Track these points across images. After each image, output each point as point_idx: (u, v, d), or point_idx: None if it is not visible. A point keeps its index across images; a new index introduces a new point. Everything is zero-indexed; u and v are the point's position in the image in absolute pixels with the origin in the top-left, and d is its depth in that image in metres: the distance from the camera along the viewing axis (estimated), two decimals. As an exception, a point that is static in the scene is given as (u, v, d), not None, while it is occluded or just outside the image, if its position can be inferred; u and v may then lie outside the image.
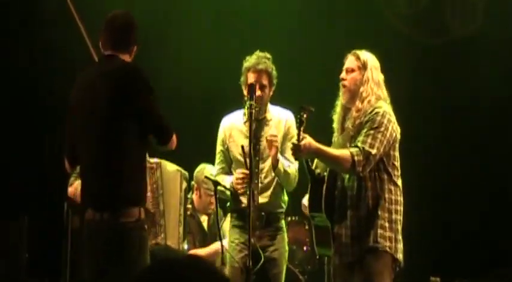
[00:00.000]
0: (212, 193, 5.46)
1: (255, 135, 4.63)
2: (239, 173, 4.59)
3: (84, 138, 3.85)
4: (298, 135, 3.94)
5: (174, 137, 3.89)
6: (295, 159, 4.31)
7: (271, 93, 4.78)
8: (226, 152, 4.82)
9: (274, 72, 4.76)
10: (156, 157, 4.57)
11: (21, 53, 6.81)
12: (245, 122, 4.75)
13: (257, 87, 4.66)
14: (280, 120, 4.79)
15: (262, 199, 4.69)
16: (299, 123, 3.98)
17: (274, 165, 4.62)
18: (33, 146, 6.67)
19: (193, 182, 5.69)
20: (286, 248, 4.79)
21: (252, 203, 4.31)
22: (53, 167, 4.30)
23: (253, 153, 4.55)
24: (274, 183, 4.73)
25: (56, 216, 5.42)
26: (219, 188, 4.69)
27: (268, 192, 4.72)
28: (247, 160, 4.44)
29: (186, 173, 4.90)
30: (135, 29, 3.97)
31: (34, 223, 6.15)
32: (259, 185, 4.68)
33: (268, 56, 4.78)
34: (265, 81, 4.71)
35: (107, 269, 3.76)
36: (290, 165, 4.69)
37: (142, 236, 3.81)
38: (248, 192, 4.38)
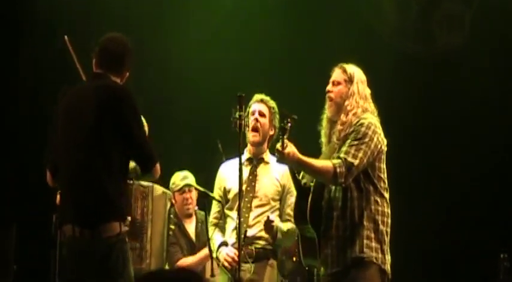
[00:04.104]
0: (178, 188, 5.58)
1: (252, 173, 4.78)
2: (232, 253, 4.63)
3: (66, 151, 3.82)
4: (282, 142, 3.95)
5: (158, 166, 3.86)
6: (277, 162, 4.29)
7: (271, 132, 4.83)
8: (223, 194, 4.87)
9: (277, 115, 4.84)
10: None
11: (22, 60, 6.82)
12: (247, 160, 4.83)
13: (256, 113, 4.78)
14: (278, 170, 4.81)
15: (251, 232, 4.72)
16: (282, 130, 3.98)
17: (274, 238, 4.70)
18: (22, 155, 6.65)
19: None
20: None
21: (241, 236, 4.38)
22: (42, 177, 4.28)
23: (248, 190, 4.69)
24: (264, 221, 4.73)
25: (45, 226, 5.41)
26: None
27: (258, 227, 4.74)
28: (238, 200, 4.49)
29: (170, 194, 4.93)
30: (130, 54, 3.97)
31: (22, 234, 6.13)
32: (249, 221, 4.71)
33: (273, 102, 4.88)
34: (265, 111, 4.83)
35: None
36: (289, 228, 4.72)
37: (124, 249, 3.79)
38: (238, 210, 4.45)
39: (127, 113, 3.76)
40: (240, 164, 4.43)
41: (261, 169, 4.84)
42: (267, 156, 4.88)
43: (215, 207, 4.93)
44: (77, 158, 3.76)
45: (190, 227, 5.79)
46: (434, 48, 7.22)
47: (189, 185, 5.61)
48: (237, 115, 4.53)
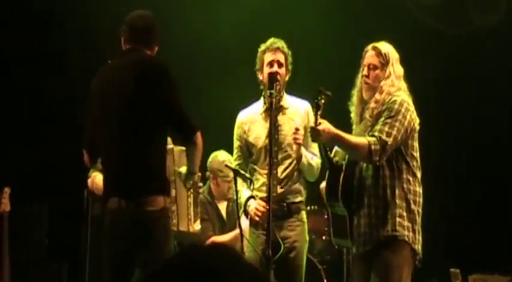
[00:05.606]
0: (230, 179, 5.48)
1: (273, 125, 4.58)
2: (261, 206, 4.55)
3: (107, 127, 3.84)
4: (316, 119, 3.93)
5: (199, 136, 3.87)
6: (313, 141, 4.28)
7: (287, 78, 4.72)
8: (245, 146, 4.78)
9: (290, 58, 4.71)
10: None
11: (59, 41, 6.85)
12: (264, 111, 4.72)
13: (275, 64, 4.61)
14: (298, 109, 4.74)
15: (281, 188, 4.66)
16: (316, 107, 3.97)
17: (298, 160, 4.60)
18: (54, 134, 6.71)
19: (208, 173, 5.68)
20: (307, 239, 4.77)
21: (271, 194, 4.29)
22: (73, 154, 4.32)
23: (272, 144, 4.51)
24: (294, 173, 4.69)
25: (75, 201, 5.47)
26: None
27: (288, 182, 4.69)
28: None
29: None
30: (157, 31, 4.00)
31: (54, 208, 6.20)
32: (278, 175, 4.63)
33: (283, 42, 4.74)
34: (282, 60, 4.65)
35: (132, 256, 3.77)
36: (313, 158, 4.67)
37: (167, 223, 3.86)
38: (268, 183, 4.36)
39: (166, 86, 3.79)
40: (271, 148, 4.35)
41: (281, 118, 4.69)
42: (285, 101, 4.73)
43: (237, 159, 4.80)
44: (120, 133, 3.79)
45: (222, 205, 5.81)
46: (468, 29, 7.10)
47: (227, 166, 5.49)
48: (268, 93, 4.50)
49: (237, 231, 5.03)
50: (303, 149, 4.59)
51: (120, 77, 3.83)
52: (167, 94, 3.78)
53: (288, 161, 4.67)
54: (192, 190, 4.39)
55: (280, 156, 4.65)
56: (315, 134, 3.97)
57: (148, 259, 3.75)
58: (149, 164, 3.78)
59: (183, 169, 4.09)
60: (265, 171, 4.53)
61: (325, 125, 3.94)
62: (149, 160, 3.78)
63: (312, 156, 4.67)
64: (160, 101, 3.76)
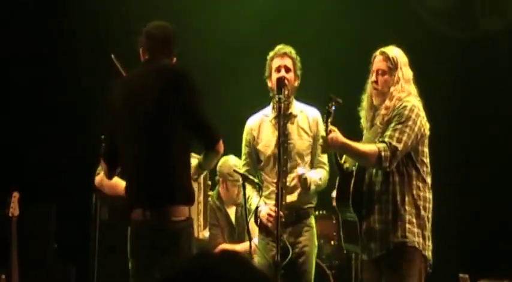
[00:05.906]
0: (239, 184, 5.47)
1: (282, 133, 4.60)
2: (273, 211, 4.55)
3: (129, 136, 3.81)
4: (326, 127, 3.92)
5: (221, 144, 3.85)
6: (322, 152, 4.28)
7: (296, 84, 4.72)
8: (253, 153, 4.79)
9: (299, 63, 4.72)
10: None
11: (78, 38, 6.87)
12: (273, 118, 4.72)
13: (282, 69, 4.63)
14: (307, 117, 4.74)
15: (291, 197, 4.66)
16: (327, 114, 3.95)
17: (306, 191, 4.60)
18: (61, 136, 6.71)
19: (217, 177, 5.67)
20: (316, 244, 4.76)
21: (280, 202, 4.30)
22: (81, 157, 4.30)
23: (281, 151, 4.53)
24: None
25: (84, 204, 5.45)
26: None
27: (297, 191, 4.69)
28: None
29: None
30: (176, 38, 3.98)
31: (62, 211, 6.19)
32: (287, 184, 4.64)
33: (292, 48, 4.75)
34: (290, 65, 4.67)
35: (156, 266, 3.75)
36: (320, 175, 4.66)
37: (191, 233, 3.84)
38: (277, 191, 4.37)
39: (187, 92, 3.76)
40: (280, 156, 4.34)
41: (290, 126, 4.71)
42: (294, 108, 4.75)
43: (245, 165, 4.83)
44: (142, 142, 3.76)
45: (232, 210, 5.81)
46: (475, 32, 7.08)
47: (235, 171, 5.47)
48: (276, 98, 4.50)
49: (247, 243, 5.03)
50: (309, 176, 4.59)
51: (141, 86, 3.81)
52: (188, 100, 3.75)
53: (296, 170, 4.67)
54: (199, 187, 4.38)
55: (289, 165, 4.66)
56: (324, 144, 3.95)
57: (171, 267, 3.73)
58: (173, 173, 3.74)
59: (193, 161, 4.07)
60: (274, 180, 4.53)
61: (333, 134, 3.93)
62: (172, 169, 3.74)
63: (320, 176, 4.67)
64: (182, 107, 3.73)
